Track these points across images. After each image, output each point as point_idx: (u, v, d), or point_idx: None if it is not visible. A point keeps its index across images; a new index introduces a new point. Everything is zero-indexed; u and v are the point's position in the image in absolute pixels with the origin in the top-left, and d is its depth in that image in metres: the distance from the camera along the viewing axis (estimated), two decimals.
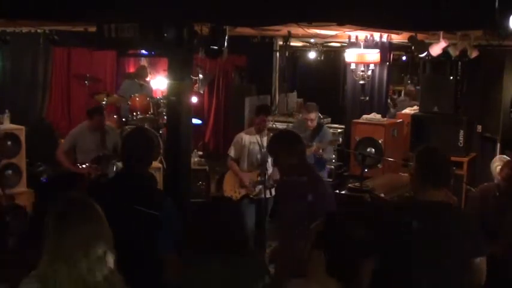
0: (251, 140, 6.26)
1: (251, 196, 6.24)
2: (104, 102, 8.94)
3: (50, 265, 2.21)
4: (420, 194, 3.18)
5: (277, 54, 10.60)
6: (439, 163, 3.23)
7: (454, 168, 6.83)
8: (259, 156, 6.15)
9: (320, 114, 8.75)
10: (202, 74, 9.89)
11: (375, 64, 7.72)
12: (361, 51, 7.61)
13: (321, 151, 6.40)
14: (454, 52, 6.95)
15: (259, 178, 6.09)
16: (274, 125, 7.90)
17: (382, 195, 5.23)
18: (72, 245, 2.21)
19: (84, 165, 6.46)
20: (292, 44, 9.80)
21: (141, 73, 9.89)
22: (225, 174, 6.60)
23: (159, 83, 10.58)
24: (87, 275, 2.19)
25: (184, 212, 5.20)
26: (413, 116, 7.77)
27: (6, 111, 7.44)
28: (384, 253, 2.54)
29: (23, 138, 7.16)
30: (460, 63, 7.38)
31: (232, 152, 6.39)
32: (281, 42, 9.81)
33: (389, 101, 11.67)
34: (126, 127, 8.16)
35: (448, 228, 3.04)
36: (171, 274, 3.16)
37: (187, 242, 2.85)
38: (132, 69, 10.68)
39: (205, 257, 2.69)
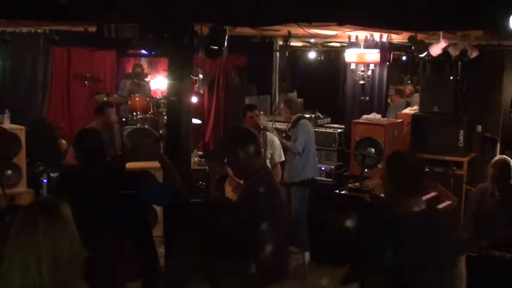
0: None
1: None
2: None
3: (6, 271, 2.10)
4: (396, 204, 2.99)
5: (277, 54, 10.60)
6: (413, 171, 2.98)
7: (454, 168, 6.86)
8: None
9: (320, 114, 8.78)
10: (202, 74, 9.89)
11: (375, 64, 7.72)
12: (361, 51, 7.60)
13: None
14: (454, 52, 6.95)
15: None
16: (274, 125, 7.89)
17: (382, 195, 5.23)
18: (27, 254, 2.09)
19: None
20: (292, 44, 9.79)
21: (138, 72, 9.88)
22: (225, 181, 6.59)
23: (159, 83, 10.58)
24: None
25: (183, 212, 5.21)
26: (413, 116, 7.77)
27: (6, 111, 7.43)
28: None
29: (23, 138, 7.17)
30: (460, 63, 7.38)
31: None
32: (281, 42, 9.80)
33: (389, 101, 11.70)
34: (126, 127, 8.15)
35: (429, 238, 2.91)
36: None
37: (183, 245, 2.83)
38: (131, 69, 10.67)
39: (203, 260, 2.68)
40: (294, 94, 10.59)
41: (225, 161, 3.83)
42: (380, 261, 2.71)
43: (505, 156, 5.64)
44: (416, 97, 10.37)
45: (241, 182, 6.03)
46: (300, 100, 10.40)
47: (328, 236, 2.33)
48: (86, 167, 3.80)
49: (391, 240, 2.81)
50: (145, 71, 10.45)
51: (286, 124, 7.91)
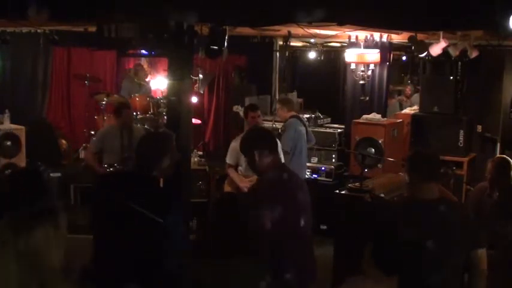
0: None
1: None
2: (103, 102, 8.96)
3: None
4: (416, 193, 3.25)
5: (277, 54, 10.60)
6: (428, 160, 3.32)
7: (454, 168, 6.86)
8: None
9: (320, 114, 8.79)
10: (202, 74, 9.89)
11: (375, 64, 7.72)
12: (361, 51, 7.60)
13: None
14: (454, 52, 6.95)
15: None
16: (274, 125, 7.89)
17: (382, 195, 5.23)
18: None
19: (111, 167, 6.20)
20: (292, 44, 9.80)
21: (139, 72, 9.89)
22: (225, 181, 6.57)
23: (159, 83, 10.59)
24: None
25: (184, 212, 5.21)
26: (413, 116, 7.77)
27: (6, 111, 7.44)
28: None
29: (23, 138, 7.17)
30: (460, 63, 7.39)
31: (229, 159, 6.35)
32: (281, 42, 9.81)
33: (402, 96, 11.82)
34: None
35: (447, 225, 3.08)
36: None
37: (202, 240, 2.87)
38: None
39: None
40: (294, 94, 10.61)
41: (247, 161, 3.87)
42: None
43: (505, 156, 5.64)
44: (416, 97, 10.40)
45: (243, 184, 6.12)
46: (300, 100, 10.43)
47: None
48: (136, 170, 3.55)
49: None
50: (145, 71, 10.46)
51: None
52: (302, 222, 3.56)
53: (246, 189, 6.13)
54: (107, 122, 7.65)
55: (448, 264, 3.07)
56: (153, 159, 3.45)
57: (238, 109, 7.82)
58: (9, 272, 2.09)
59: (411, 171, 3.30)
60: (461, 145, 7.24)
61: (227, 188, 6.43)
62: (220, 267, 2.74)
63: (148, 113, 8.83)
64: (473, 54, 7.32)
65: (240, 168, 6.29)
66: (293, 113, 7.03)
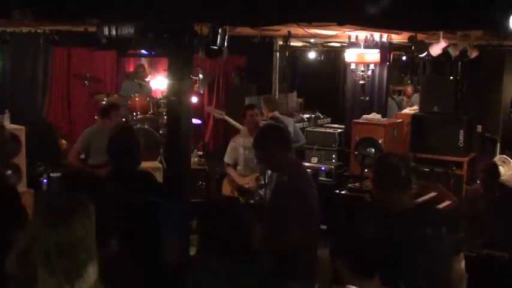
0: (246, 145, 6.10)
1: (251, 202, 6.19)
2: (103, 102, 8.96)
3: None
4: (388, 201, 3.09)
5: (277, 54, 10.60)
6: (394, 166, 3.09)
7: (454, 168, 6.87)
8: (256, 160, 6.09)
9: (320, 114, 8.80)
10: (202, 74, 9.89)
11: (375, 64, 7.72)
12: (361, 51, 7.61)
13: None
14: (454, 52, 6.96)
15: (256, 182, 6.03)
16: None
17: None
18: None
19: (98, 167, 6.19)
20: (292, 44, 9.80)
21: (140, 72, 9.88)
22: (223, 181, 6.56)
23: (159, 83, 10.59)
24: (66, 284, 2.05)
25: (184, 212, 5.21)
26: (413, 116, 7.78)
27: (6, 111, 7.43)
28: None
29: (23, 138, 7.16)
30: (460, 63, 7.39)
31: (227, 158, 6.35)
32: (281, 42, 9.81)
33: (403, 96, 11.78)
34: None
35: (414, 235, 2.98)
36: (171, 255, 3.26)
37: (199, 243, 2.88)
38: (132, 69, 10.68)
39: (214, 259, 2.73)
40: (294, 94, 10.61)
41: (262, 158, 3.90)
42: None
43: (505, 156, 5.69)
44: (416, 97, 10.40)
45: (244, 182, 6.12)
46: (300, 100, 10.44)
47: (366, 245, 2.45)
48: (118, 167, 3.62)
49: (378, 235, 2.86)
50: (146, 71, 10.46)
51: None
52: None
53: (246, 186, 6.14)
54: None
55: (423, 273, 2.96)
56: (131, 152, 3.52)
57: (211, 110, 7.83)
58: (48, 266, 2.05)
59: (377, 189, 3.14)
60: (461, 145, 7.24)
61: (226, 187, 6.44)
62: (218, 269, 2.73)
63: (148, 113, 8.82)
64: (473, 54, 7.32)
65: (238, 167, 6.29)
66: (275, 113, 7.05)
